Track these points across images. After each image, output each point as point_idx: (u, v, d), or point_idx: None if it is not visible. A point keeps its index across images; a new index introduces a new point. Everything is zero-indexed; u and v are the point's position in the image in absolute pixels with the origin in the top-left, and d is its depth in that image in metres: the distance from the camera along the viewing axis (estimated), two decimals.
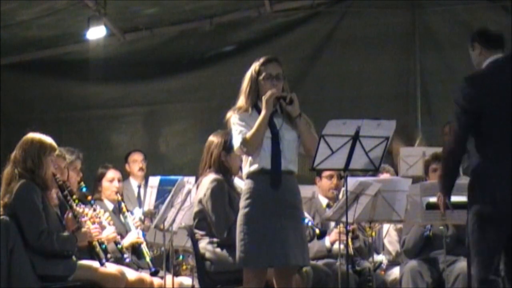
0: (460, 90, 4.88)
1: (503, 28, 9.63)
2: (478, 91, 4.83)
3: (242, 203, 5.15)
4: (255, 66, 5.25)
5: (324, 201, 7.15)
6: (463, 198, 5.14)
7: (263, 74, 5.18)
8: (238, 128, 5.15)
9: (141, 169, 8.82)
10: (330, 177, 7.13)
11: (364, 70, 10.27)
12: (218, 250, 5.81)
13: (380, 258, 7.29)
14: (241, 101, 5.24)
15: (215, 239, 5.85)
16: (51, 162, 5.72)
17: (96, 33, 9.52)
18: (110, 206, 6.99)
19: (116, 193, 7.04)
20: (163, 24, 10.40)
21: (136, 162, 8.86)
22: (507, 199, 4.68)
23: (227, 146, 5.89)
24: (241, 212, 5.14)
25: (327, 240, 6.98)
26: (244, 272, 5.13)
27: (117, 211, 6.97)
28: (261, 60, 5.25)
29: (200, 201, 5.92)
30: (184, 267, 7.47)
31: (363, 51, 10.30)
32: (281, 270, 5.18)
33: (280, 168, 5.09)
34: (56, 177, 5.87)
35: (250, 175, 5.16)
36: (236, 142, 5.14)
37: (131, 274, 6.13)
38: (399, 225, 7.15)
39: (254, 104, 5.21)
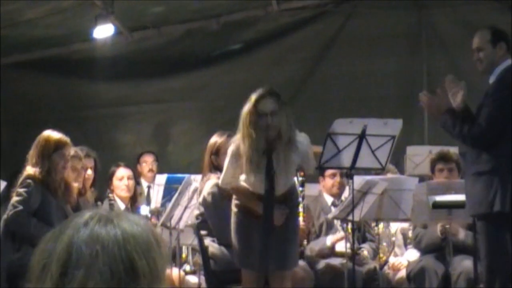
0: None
1: (510, 29, 9.64)
2: None
3: (233, 208, 5.17)
4: (251, 99, 5.03)
5: (329, 199, 7.15)
6: (462, 197, 5.19)
7: (258, 111, 4.97)
8: (229, 166, 5.11)
9: (150, 170, 8.91)
10: (333, 175, 7.12)
11: (371, 70, 10.26)
12: (222, 248, 5.81)
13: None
14: (241, 134, 5.02)
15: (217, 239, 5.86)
16: (67, 159, 5.74)
17: (103, 31, 9.53)
18: (122, 206, 6.98)
19: (132, 192, 7.06)
20: (170, 23, 10.40)
21: (146, 163, 8.95)
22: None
23: (216, 148, 5.89)
24: (233, 218, 5.15)
25: (329, 240, 6.94)
26: (242, 272, 5.14)
27: (130, 210, 6.96)
28: (255, 95, 5.03)
29: (201, 204, 5.91)
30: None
31: (369, 51, 10.27)
32: (275, 273, 5.18)
33: (273, 199, 5.01)
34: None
35: None
36: (222, 178, 5.18)
37: None
38: (405, 225, 7.15)
39: (255, 145, 4.98)
